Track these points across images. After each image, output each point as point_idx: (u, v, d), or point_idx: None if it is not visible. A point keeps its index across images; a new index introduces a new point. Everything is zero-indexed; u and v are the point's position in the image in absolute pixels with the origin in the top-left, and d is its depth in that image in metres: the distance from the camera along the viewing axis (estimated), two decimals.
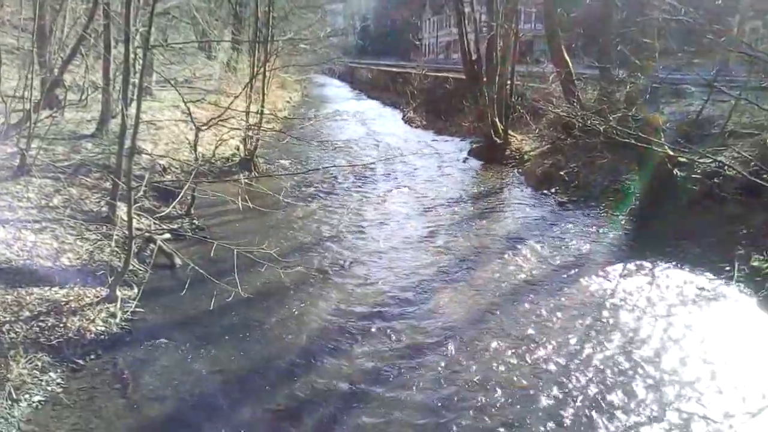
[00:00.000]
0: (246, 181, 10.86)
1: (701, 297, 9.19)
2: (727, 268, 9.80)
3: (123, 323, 8.12)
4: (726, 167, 11.35)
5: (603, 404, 6.57)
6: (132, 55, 10.85)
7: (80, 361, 7.21)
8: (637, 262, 10.53)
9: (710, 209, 11.43)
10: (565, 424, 6.25)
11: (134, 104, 9.31)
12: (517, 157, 19.62)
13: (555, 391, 6.82)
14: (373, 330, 8.26)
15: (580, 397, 6.70)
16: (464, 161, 20.54)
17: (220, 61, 31.34)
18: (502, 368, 7.29)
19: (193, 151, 12.84)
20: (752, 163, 10.82)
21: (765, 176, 10.21)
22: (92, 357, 7.36)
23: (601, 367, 7.32)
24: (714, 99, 13.83)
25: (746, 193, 11.05)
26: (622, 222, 12.80)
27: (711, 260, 10.23)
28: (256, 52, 17.63)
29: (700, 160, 11.63)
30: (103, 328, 7.92)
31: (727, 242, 10.42)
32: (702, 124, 13.85)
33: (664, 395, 6.70)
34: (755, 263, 9.57)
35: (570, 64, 19.47)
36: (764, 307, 8.64)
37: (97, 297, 8.49)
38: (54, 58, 14.20)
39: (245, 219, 12.51)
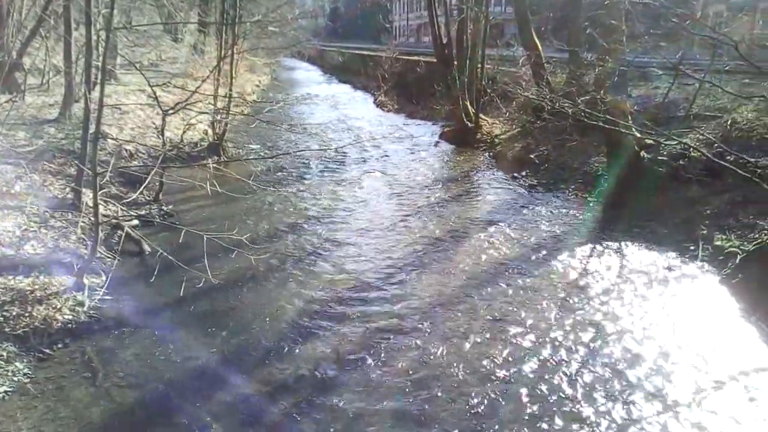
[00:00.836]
0: (215, 166, 10.68)
1: (667, 275, 9.41)
2: (692, 248, 10.06)
3: (91, 311, 7.96)
4: (691, 149, 11.61)
5: (573, 382, 6.70)
6: (94, 38, 10.53)
7: (47, 351, 7.07)
8: (606, 243, 10.73)
9: (676, 190, 11.69)
10: (536, 402, 6.36)
11: (98, 88, 9.06)
12: (488, 140, 19.73)
13: (527, 370, 6.93)
14: (346, 314, 8.27)
15: (552, 376, 6.82)
16: (436, 145, 20.58)
17: (186, 44, 30.73)
18: (474, 349, 7.37)
19: (160, 136, 12.58)
20: (716, 145, 11.08)
21: (728, 158, 10.49)
22: (60, 346, 7.22)
23: (571, 345, 7.46)
24: (679, 82, 14.07)
25: (710, 175, 11.33)
26: (591, 204, 13.01)
27: (676, 240, 10.48)
28: (224, 34, 17.31)
29: (666, 143, 11.85)
30: (70, 317, 7.77)
31: (691, 222, 10.67)
32: (668, 107, 14.10)
33: (633, 371, 6.86)
34: (718, 242, 9.82)
35: (540, 48, 19.61)
36: (726, 284, 8.89)
37: (64, 285, 8.31)
38: (12, 41, 13.74)
39: (215, 205, 12.37)
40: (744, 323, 7.92)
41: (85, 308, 7.98)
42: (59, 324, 7.58)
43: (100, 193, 8.66)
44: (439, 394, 6.50)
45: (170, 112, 11.29)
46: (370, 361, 7.16)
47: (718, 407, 6.22)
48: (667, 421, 6.02)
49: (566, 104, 13.25)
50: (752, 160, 10.45)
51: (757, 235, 9.48)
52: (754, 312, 8.06)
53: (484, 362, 7.10)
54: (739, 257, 9.16)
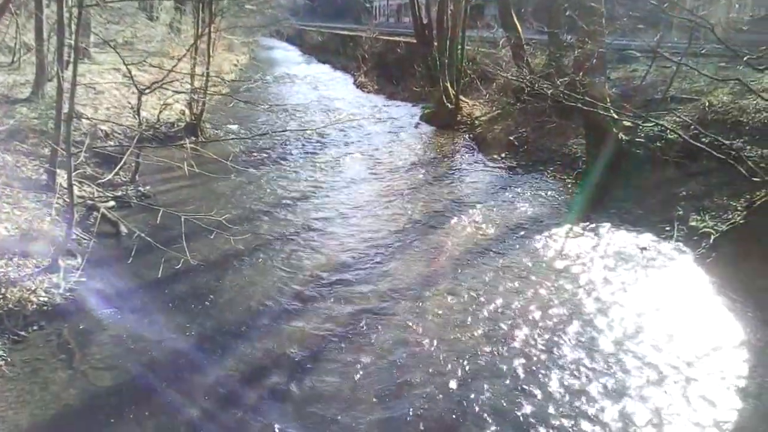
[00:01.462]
0: (192, 146, 10.54)
1: (643, 255, 9.56)
2: (668, 228, 10.21)
3: (67, 293, 7.86)
4: (668, 131, 11.74)
5: (552, 359, 6.82)
6: (66, 15, 10.28)
7: (22, 333, 6.98)
8: (584, 224, 10.85)
9: (653, 172, 11.83)
10: (512, 380, 6.46)
11: (71, 67, 8.85)
12: (468, 122, 19.73)
13: (506, 349, 7.02)
14: (325, 295, 8.28)
15: (530, 354, 6.92)
16: (416, 126, 20.53)
17: (162, 22, 30.10)
18: (453, 329, 7.44)
19: (136, 116, 12.37)
20: (692, 127, 11.22)
21: (704, 140, 10.64)
22: (35, 328, 7.13)
23: (550, 323, 7.57)
24: (657, 65, 14.18)
25: (686, 157, 11.48)
26: (569, 185, 13.12)
27: (653, 221, 10.63)
28: (201, 12, 16.96)
29: (644, 125, 11.96)
30: (45, 299, 7.66)
31: (668, 203, 10.82)
32: (645, 90, 14.21)
33: (610, 347, 7.00)
34: (693, 223, 9.99)
35: (520, 29, 19.58)
36: (701, 264, 9.06)
37: (38, 267, 8.18)
38: None
39: (193, 186, 12.23)
40: (716, 300, 8.10)
41: (60, 290, 7.87)
42: (34, 306, 7.48)
43: (74, 173, 8.50)
44: (419, 374, 6.56)
45: (146, 91, 11.11)
46: (350, 342, 7.18)
47: (690, 381, 6.38)
48: (643, 396, 6.16)
49: (545, 86, 13.29)
50: (727, 142, 10.62)
51: (730, 216, 9.65)
52: (726, 289, 8.25)
53: (464, 342, 7.17)
54: (713, 237, 9.34)
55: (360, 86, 29.64)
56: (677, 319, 7.62)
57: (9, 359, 6.52)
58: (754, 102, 11.74)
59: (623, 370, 6.60)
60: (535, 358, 6.85)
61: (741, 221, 9.11)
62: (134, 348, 6.88)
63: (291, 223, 10.95)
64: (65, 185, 8.86)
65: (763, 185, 9.16)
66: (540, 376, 6.53)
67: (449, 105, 20.49)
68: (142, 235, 8.31)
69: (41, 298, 7.65)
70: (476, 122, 19.28)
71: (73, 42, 9.33)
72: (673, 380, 6.43)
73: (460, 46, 20.82)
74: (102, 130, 13.97)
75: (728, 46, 9.61)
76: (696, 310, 7.88)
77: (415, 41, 27.16)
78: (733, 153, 9.96)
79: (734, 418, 5.88)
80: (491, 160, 15.69)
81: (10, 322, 7.06)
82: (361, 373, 6.58)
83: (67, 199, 8.60)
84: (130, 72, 10.66)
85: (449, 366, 6.69)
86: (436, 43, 21.83)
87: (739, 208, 9.67)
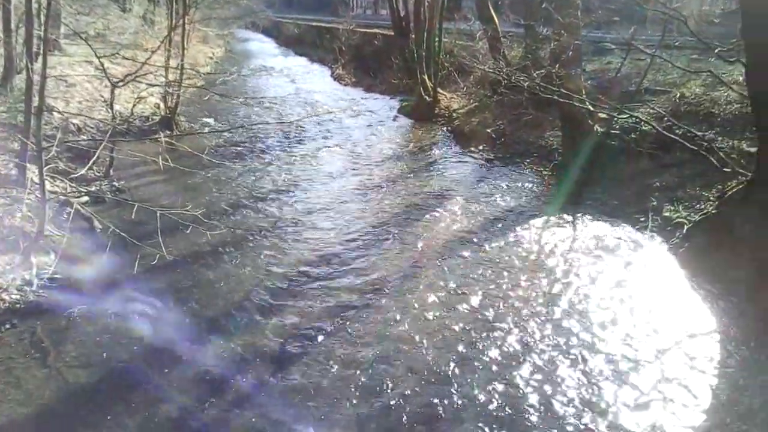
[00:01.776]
0: (167, 140, 10.38)
1: (618, 245, 9.71)
2: (642, 219, 10.37)
3: (40, 291, 7.71)
4: (642, 123, 11.89)
5: (529, 347, 6.90)
6: (35, 5, 10.02)
7: None
8: (560, 215, 10.97)
9: (628, 164, 11.99)
10: (492, 370, 6.52)
11: (40, 58, 8.65)
12: (446, 115, 19.75)
13: (485, 339, 7.08)
14: (304, 289, 8.25)
15: (508, 343, 6.99)
16: (394, 119, 20.49)
17: (135, 14, 29.57)
18: (433, 321, 7.48)
19: (109, 110, 12.12)
20: (665, 119, 11.39)
21: (677, 131, 10.81)
22: (7, 327, 6.99)
23: (527, 313, 7.65)
24: (631, 57, 14.34)
25: (660, 148, 11.65)
26: (546, 177, 13.23)
27: (627, 212, 10.78)
28: (174, 3, 16.71)
29: (619, 117, 12.10)
30: (18, 297, 7.52)
31: (642, 194, 10.98)
32: (620, 82, 14.37)
33: (585, 335, 7.10)
34: (667, 213, 10.15)
35: (497, 22, 19.64)
36: (674, 253, 9.22)
37: (10, 264, 8.00)
38: None
39: (168, 180, 12.06)
40: (689, 289, 8.26)
41: (33, 287, 7.73)
42: (6, 304, 7.34)
43: (46, 168, 8.34)
44: (400, 365, 6.58)
45: (119, 84, 10.88)
46: (330, 335, 7.18)
47: (662, 368, 6.52)
48: (616, 381, 6.28)
49: (522, 78, 13.37)
50: (699, 133, 10.80)
51: (703, 206, 9.83)
52: (699, 278, 8.41)
53: (444, 333, 7.21)
54: (686, 227, 9.50)
55: (337, 79, 29.48)
56: (651, 307, 7.76)
57: None
58: (726, 94, 11.95)
59: (599, 359, 6.71)
60: (514, 348, 6.92)
61: (713, 211, 9.28)
62: (110, 345, 6.78)
63: (268, 217, 10.87)
64: (36, 180, 8.68)
65: (734, 176, 9.34)
66: (519, 365, 6.61)
67: (427, 98, 20.48)
68: (117, 230, 8.17)
69: (13, 296, 7.50)
70: (454, 115, 19.31)
71: (42, 33, 9.11)
72: (646, 367, 6.55)
73: (437, 39, 20.81)
74: (74, 124, 13.69)
75: (700, 39, 9.77)
76: (669, 299, 8.03)
77: (392, 33, 27.09)
78: (705, 144, 10.13)
79: (705, 403, 6.01)
80: (469, 153, 15.74)
81: None
82: (342, 366, 6.57)
83: (39, 195, 8.41)
84: (102, 64, 10.43)
85: (430, 357, 6.73)
86: (413, 36, 21.79)
87: (711, 198, 9.84)
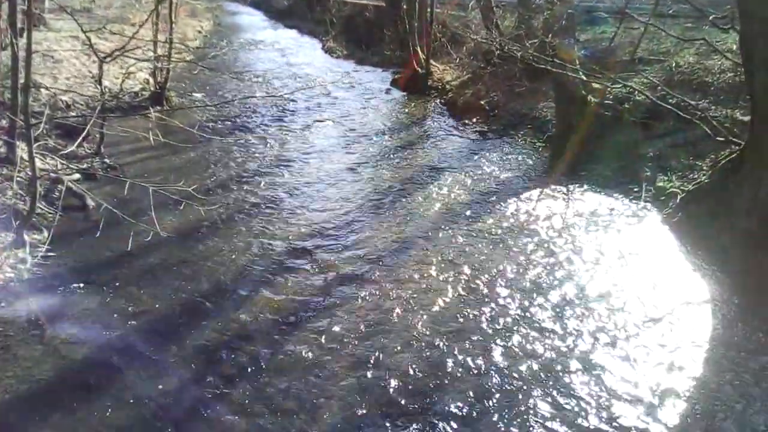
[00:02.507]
0: (158, 115, 10.26)
1: (611, 216, 9.75)
2: (635, 189, 10.40)
3: (34, 268, 7.69)
4: (636, 92, 11.83)
5: (523, 320, 6.97)
6: None
7: None
8: (553, 187, 10.98)
9: (621, 133, 11.95)
10: (485, 341, 6.59)
11: (25, 34, 8.48)
12: (439, 87, 19.58)
13: (479, 313, 7.13)
14: (298, 264, 8.26)
15: (503, 316, 7.06)
16: (387, 92, 20.30)
17: None
18: (428, 294, 7.52)
19: (98, 85, 11.95)
20: (659, 88, 11.33)
21: (670, 101, 10.76)
22: (2, 305, 6.97)
23: (521, 285, 7.71)
24: (625, 26, 14.19)
25: (653, 118, 11.62)
26: (539, 149, 13.21)
27: (621, 182, 10.80)
28: None
29: (612, 86, 12.03)
30: (12, 275, 7.48)
31: (635, 164, 10.99)
32: (614, 51, 14.26)
33: (579, 308, 7.18)
34: (660, 183, 10.17)
35: None
36: (668, 224, 9.27)
37: (2, 243, 7.96)
38: None
39: (160, 156, 11.97)
40: (682, 259, 8.33)
41: (27, 265, 7.69)
42: (0, 282, 7.31)
43: (36, 145, 8.23)
44: (395, 340, 6.62)
45: (107, 59, 10.72)
46: (325, 309, 7.21)
47: (655, 338, 6.60)
48: (609, 353, 6.36)
49: (515, 48, 13.25)
50: (693, 102, 10.76)
51: (696, 176, 9.85)
52: (692, 248, 8.48)
53: (438, 307, 7.26)
54: (679, 197, 9.53)
55: (328, 51, 29.08)
56: (644, 277, 7.83)
57: None
58: (720, 62, 11.89)
59: (593, 328, 6.79)
60: (508, 319, 6.98)
61: (706, 180, 9.30)
62: (107, 322, 6.79)
63: (261, 191, 10.82)
64: (26, 158, 8.59)
65: (727, 145, 9.34)
66: (512, 335, 6.68)
67: (420, 70, 20.27)
68: (110, 207, 8.11)
69: (7, 274, 7.47)
70: (447, 87, 19.15)
71: (26, 7, 8.94)
72: (640, 337, 6.64)
73: (429, 9, 20.53)
74: (63, 101, 13.50)
75: (694, 6, 9.67)
76: (662, 269, 8.08)
77: (383, 4, 26.66)
78: (699, 113, 10.09)
79: (697, 374, 6.10)
80: (462, 125, 15.66)
81: None
82: (337, 339, 6.62)
83: (29, 172, 8.33)
84: (89, 39, 10.23)
85: (424, 330, 6.78)
86: (405, 6, 21.47)
87: (704, 168, 9.86)
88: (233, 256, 8.42)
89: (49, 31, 18.77)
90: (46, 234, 8.36)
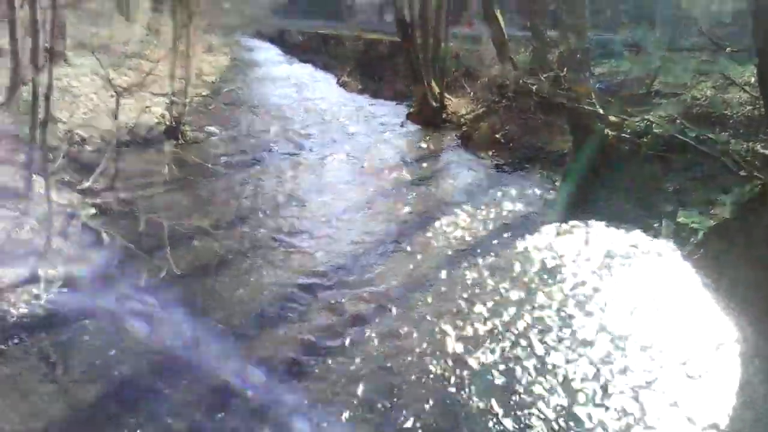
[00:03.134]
0: (173, 149, 10.33)
1: (632, 252, 9.54)
2: (656, 224, 10.19)
3: (48, 304, 7.66)
4: (653, 126, 11.72)
5: (541, 360, 6.76)
6: (40, 17, 10.00)
7: (2, 347, 6.79)
8: (571, 221, 10.80)
9: (639, 167, 11.78)
10: (502, 385, 6.38)
11: (46, 70, 8.62)
12: (454, 120, 19.62)
13: (499, 350, 6.94)
14: (313, 300, 8.15)
15: (522, 355, 6.86)
16: (401, 125, 20.37)
17: (139, 24, 29.63)
18: (445, 332, 7.34)
19: (114, 120, 12.09)
20: (677, 122, 11.21)
21: (689, 134, 10.62)
22: (15, 341, 6.92)
23: (540, 324, 7.51)
24: (642, 59, 14.17)
25: (672, 151, 11.45)
26: (556, 182, 13.08)
27: (640, 216, 10.59)
28: (179, 13, 16.68)
29: (630, 119, 11.93)
30: (26, 311, 7.46)
31: (655, 199, 10.81)
32: (630, 85, 14.21)
33: (601, 347, 6.95)
34: (681, 218, 9.96)
35: (503, 26, 19.54)
36: (690, 260, 9.04)
37: (18, 278, 7.95)
38: None
39: (174, 190, 11.99)
40: (706, 297, 8.09)
41: (41, 301, 7.68)
42: (14, 318, 7.30)
43: (53, 180, 8.28)
44: (410, 378, 6.45)
45: (124, 94, 10.88)
46: (339, 345, 7.08)
47: (681, 379, 6.36)
48: (635, 394, 6.12)
49: (530, 82, 13.25)
50: (712, 136, 10.61)
51: (717, 211, 9.65)
52: (716, 286, 8.22)
53: (455, 345, 7.08)
54: (701, 233, 9.31)
55: (343, 86, 29.39)
56: (667, 316, 7.59)
57: None
58: (738, 95, 11.77)
59: (615, 370, 6.56)
60: (527, 361, 6.77)
61: (728, 216, 9.09)
62: (119, 359, 6.71)
63: (275, 226, 10.77)
64: (43, 192, 8.63)
65: (749, 179, 9.13)
66: (534, 379, 6.47)
67: (434, 103, 20.35)
68: (124, 242, 8.09)
69: (21, 310, 7.46)
70: (462, 120, 19.18)
71: (48, 44, 9.10)
72: (664, 378, 6.40)
73: (443, 44, 20.73)
74: (79, 135, 13.66)
75: (711, 40, 9.61)
76: (685, 306, 7.86)
77: (398, 39, 26.97)
78: (719, 147, 9.93)
79: (723, 412, 5.85)
80: (478, 158, 15.60)
81: None
82: (352, 377, 6.46)
83: (46, 207, 8.36)
84: (107, 75, 10.42)
85: (441, 370, 6.61)
86: (419, 41, 21.70)
87: (726, 202, 9.66)
88: (246, 292, 8.33)
89: (69, 67, 19.10)
90: (61, 269, 8.33)
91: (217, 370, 6.55)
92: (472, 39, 23.22)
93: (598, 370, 6.56)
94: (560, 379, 6.43)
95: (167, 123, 16.20)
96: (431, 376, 6.52)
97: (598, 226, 10.58)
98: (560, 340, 7.15)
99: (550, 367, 6.64)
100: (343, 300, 8.17)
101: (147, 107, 14.39)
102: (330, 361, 6.80)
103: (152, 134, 15.47)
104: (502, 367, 6.67)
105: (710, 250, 8.88)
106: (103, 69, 10.29)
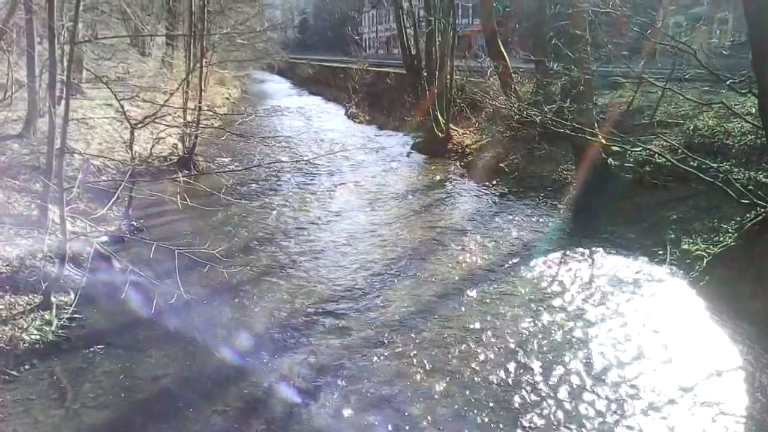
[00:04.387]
0: (185, 179, 10.54)
1: (637, 279, 9.58)
2: (660, 252, 10.25)
3: (59, 330, 7.77)
4: (656, 155, 11.87)
5: (548, 388, 6.77)
6: (58, 51, 10.37)
7: (13, 372, 6.86)
8: (576, 249, 10.89)
9: (643, 196, 11.93)
10: (511, 410, 6.40)
11: (63, 102, 8.91)
12: (459, 150, 19.91)
13: (504, 379, 6.96)
14: (321, 327, 8.22)
15: (527, 383, 6.87)
16: (408, 155, 20.68)
17: (154, 58, 30.39)
18: (450, 359, 7.38)
19: (128, 150, 12.38)
20: (680, 151, 11.36)
21: (692, 163, 10.76)
22: (27, 367, 7.02)
23: (546, 352, 7.53)
24: (642, 90, 14.41)
25: (675, 180, 11.59)
26: (561, 211, 13.19)
27: (645, 244, 10.67)
28: (192, 47, 17.18)
29: (632, 149, 12.11)
30: (37, 337, 7.57)
31: (659, 227, 10.90)
32: (632, 115, 14.42)
33: (606, 374, 6.96)
34: (685, 246, 10.03)
35: (507, 58, 19.92)
36: (695, 287, 9.08)
37: (31, 304, 8.11)
38: None
39: (186, 219, 12.20)
40: (712, 324, 8.10)
41: (53, 327, 7.78)
42: (26, 344, 7.38)
43: (67, 209, 8.49)
44: (416, 406, 6.48)
45: (139, 126, 11.15)
46: (346, 373, 7.11)
47: (687, 406, 6.35)
48: (640, 422, 6.12)
49: (534, 113, 13.48)
50: (714, 165, 10.74)
51: (721, 239, 9.72)
52: (721, 313, 8.25)
53: (461, 372, 7.11)
54: (705, 260, 9.36)
55: (351, 117, 29.90)
56: (673, 344, 7.60)
57: (0, 399, 6.41)
58: (739, 125, 11.93)
59: (623, 397, 6.56)
60: (534, 388, 6.79)
61: (732, 244, 9.16)
62: (127, 386, 6.78)
63: (284, 254, 10.92)
64: (57, 221, 8.84)
65: (752, 207, 9.23)
66: (542, 405, 6.48)
67: (440, 134, 20.69)
68: (136, 270, 8.24)
69: (33, 336, 7.55)
70: (467, 150, 19.45)
71: (65, 78, 9.40)
72: (671, 406, 6.39)
73: (448, 76, 21.13)
74: (94, 165, 13.98)
75: (711, 71, 9.80)
76: (691, 334, 7.87)
77: (404, 72, 27.50)
78: (722, 176, 10.06)
79: None
80: (482, 187, 15.78)
81: (1, 361, 6.96)
82: (359, 405, 6.50)
83: (60, 235, 8.55)
84: (122, 107, 10.71)
85: (447, 400, 6.62)
86: (425, 73, 22.12)
87: (729, 230, 9.73)
88: (255, 319, 8.42)
89: (85, 99, 19.62)
90: (72, 296, 8.48)
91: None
92: (477, 71, 23.62)
93: (602, 395, 6.57)
94: (565, 404, 6.45)
95: (180, 153, 16.54)
96: (437, 402, 6.55)
97: (602, 254, 10.65)
98: (566, 367, 7.17)
99: (553, 392, 6.66)
100: (351, 326, 8.24)
101: (160, 138, 14.69)
102: (339, 383, 6.86)
103: (165, 164, 15.77)
104: (504, 396, 6.69)
105: (714, 276, 8.93)
106: (118, 101, 10.56)
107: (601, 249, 10.83)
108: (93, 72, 16.84)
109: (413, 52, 25.56)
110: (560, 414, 6.30)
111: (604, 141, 11.69)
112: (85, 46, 16.45)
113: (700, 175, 10.32)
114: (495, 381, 6.90)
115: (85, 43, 16.19)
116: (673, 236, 10.44)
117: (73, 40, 9.20)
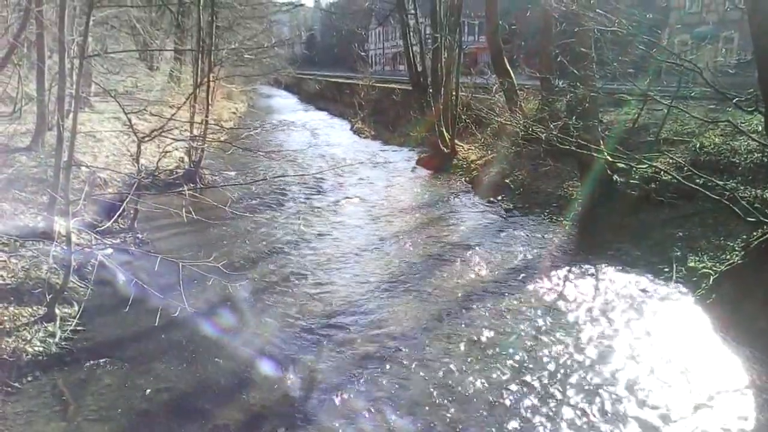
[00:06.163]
0: (191, 193, 10.58)
1: (643, 297, 9.52)
2: (666, 269, 10.20)
3: (62, 342, 7.77)
4: (662, 173, 11.85)
5: (553, 405, 6.71)
6: (68, 65, 10.47)
7: (16, 384, 6.85)
8: (582, 266, 10.84)
9: (648, 213, 11.90)
10: (514, 427, 6.34)
11: (71, 115, 8.98)
12: (464, 166, 19.95)
13: (509, 395, 6.91)
14: (326, 341, 8.18)
15: (532, 400, 6.82)
16: (413, 171, 20.73)
17: (162, 72, 30.68)
18: (455, 375, 7.34)
19: (135, 164, 12.45)
20: (685, 169, 11.34)
21: (698, 181, 10.74)
22: (29, 379, 7.01)
23: (550, 369, 7.47)
24: (648, 108, 14.42)
25: (681, 197, 11.57)
26: (566, 227, 13.16)
27: (650, 262, 10.62)
28: (200, 62, 17.34)
29: (638, 167, 12.10)
30: (41, 349, 7.56)
31: (665, 244, 10.85)
32: (638, 132, 14.43)
33: (612, 393, 6.90)
34: (691, 264, 9.98)
35: (512, 75, 20.02)
36: (701, 305, 9.02)
37: (34, 316, 8.10)
38: None
39: (191, 232, 12.23)
40: (718, 342, 8.03)
41: (56, 339, 7.78)
42: (29, 356, 7.37)
43: (73, 221, 8.51)
44: (420, 422, 6.43)
45: (146, 139, 11.22)
46: (352, 387, 7.08)
47: (693, 424, 6.28)
48: None
49: (539, 130, 13.50)
50: (720, 183, 10.72)
51: (728, 256, 9.66)
52: (728, 331, 8.18)
53: (465, 388, 7.06)
54: (712, 278, 9.31)
55: (357, 132, 30.04)
56: (680, 361, 7.53)
57: (2, 411, 6.39)
58: (746, 143, 11.91)
59: (629, 415, 6.49)
60: (538, 406, 6.73)
61: (739, 261, 9.11)
62: (131, 398, 6.76)
63: (290, 268, 10.91)
64: (63, 233, 8.86)
65: (759, 225, 9.19)
66: (547, 423, 6.42)
67: (445, 149, 20.75)
68: (140, 282, 8.25)
69: (36, 348, 7.55)
70: (472, 166, 19.49)
71: (74, 92, 9.48)
72: (677, 424, 6.32)
73: (454, 92, 21.24)
74: (101, 178, 14.04)
75: (716, 89, 9.81)
76: (698, 352, 7.80)
77: (410, 88, 27.63)
78: (728, 194, 10.03)
79: None
80: (488, 203, 15.77)
81: (4, 373, 6.94)
82: (362, 421, 6.45)
83: (65, 247, 8.58)
84: (129, 120, 10.79)
85: (452, 414, 6.58)
86: (431, 90, 22.24)
87: (736, 248, 9.68)
88: (258, 333, 8.39)
89: (93, 112, 19.81)
90: (76, 308, 8.49)
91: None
92: (482, 88, 23.73)
93: (608, 413, 6.51)
94: (572, 425, 6.39)
95: (186, 167, 16.63)
96: (441, 416, 6.50)
97: (608, 271, 10.60)
98: (571, 385, 7.11)
99: (557, 409, 6.60)
100: (355, 340, 8.21)
101: (167, 151, 14.78)
102: (343, 398, 6.82)
103: (171, 177, 15.85)
104: (510, 412, 6.63)
105: (721, 294, 8.87)
106: (125, 114, 10.65)
107: (606, 266, 10.78)
108: (101, 86, 17.00)
109: (419, 68, 25.66)
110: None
111: (609, 158, 11.69)
112: (94, 60, 16.63)
113: (706, 192, 10.29)
114: (498, 399, 6.84)
115: (95, 57, 16.36)
116: (679, 254, 10.39)
117: (82, 54, 9.27)
